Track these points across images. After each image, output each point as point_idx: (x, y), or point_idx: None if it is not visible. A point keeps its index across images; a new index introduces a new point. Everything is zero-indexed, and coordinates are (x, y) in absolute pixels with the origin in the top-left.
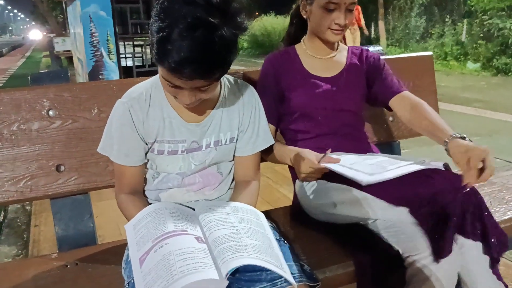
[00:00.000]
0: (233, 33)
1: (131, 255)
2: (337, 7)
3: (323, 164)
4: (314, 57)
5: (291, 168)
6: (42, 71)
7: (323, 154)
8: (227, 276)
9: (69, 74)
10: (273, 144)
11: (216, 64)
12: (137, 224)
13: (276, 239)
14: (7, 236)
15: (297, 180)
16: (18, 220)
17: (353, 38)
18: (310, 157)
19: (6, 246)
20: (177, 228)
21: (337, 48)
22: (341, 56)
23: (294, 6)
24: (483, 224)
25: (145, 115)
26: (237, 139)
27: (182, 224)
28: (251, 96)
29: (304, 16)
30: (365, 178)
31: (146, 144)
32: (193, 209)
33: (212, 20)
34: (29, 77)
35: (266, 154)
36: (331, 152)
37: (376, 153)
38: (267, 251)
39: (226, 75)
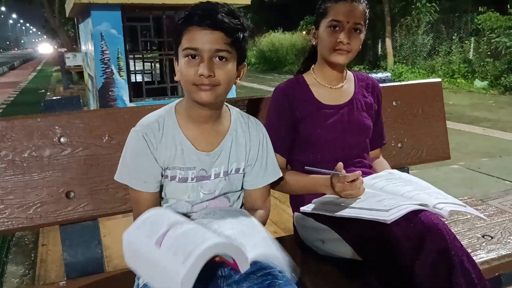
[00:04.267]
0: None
1: (140, 248)
2: (340, 25)
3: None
4: (324, 86)
5: (292, 199)
6: (54, 98)
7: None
8: (252, 259)
9: (81, 101)
10: (283, 175)
11: (234, 18)
12: (141, 225)
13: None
14: (14, 255)
15: (295, 213)
16: (25, 239)
17: None
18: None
19: (14, 265)
20: (185, 220)
21: (346, 77)
22: (350, 85)
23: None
24: (452, 284)
25: (158, 142)
26: (245, 172)
27: (186, 219)
28: (259, 131)
29: (314, 43)
30: (389, 218)
31: (162, 169)
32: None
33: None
34: (42, 104)
35: (275, 185)
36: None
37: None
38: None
39: (236, 109)
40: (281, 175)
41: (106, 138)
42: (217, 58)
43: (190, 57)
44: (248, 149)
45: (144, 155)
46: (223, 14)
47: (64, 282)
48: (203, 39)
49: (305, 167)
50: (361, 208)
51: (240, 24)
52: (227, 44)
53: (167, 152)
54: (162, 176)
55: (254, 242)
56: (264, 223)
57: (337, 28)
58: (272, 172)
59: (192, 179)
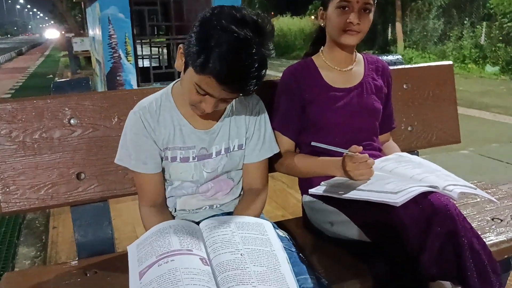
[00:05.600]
0: (269, 53)
1: (130, 270)
2: (350, 6)
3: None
4: (333, 69)
5: (301, 182)
6: (64, 79)
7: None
8: None
9: (90, 82)
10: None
11: (259, 80)
12: (141, 244)
13: (292, 251)
14: (26, 237)
15: (304, 195)
16: (37, 221)
17: None
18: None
19: (25, 247)
20: (182, 247)
21: (355, 59)
22: (359, 67)
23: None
24: (461, 266)
25: (156, 123)
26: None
27: (187, 243)
28: (256, 104)
29: (322, 25)
30: (398, 200)
31: (161, 150)
32: (198, 223)
33: (258, 40)
34: (51, 86)
35: (279, 165)
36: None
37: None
38: (271, 276)
39: None
40: (278, 150)
41: (116, 119)
42: None
43: None
44: (248, 122)
45: (142, 136)
46: None
47: (76, 261)
48: None
49: (312, 142)
50: (370, 191)
51: None
52: None
53: (166, 132)
54: (161, 158)
55: None
56: (263, 205)
57: (346, 8)
58: (269, 147)
59: (194, 158)
